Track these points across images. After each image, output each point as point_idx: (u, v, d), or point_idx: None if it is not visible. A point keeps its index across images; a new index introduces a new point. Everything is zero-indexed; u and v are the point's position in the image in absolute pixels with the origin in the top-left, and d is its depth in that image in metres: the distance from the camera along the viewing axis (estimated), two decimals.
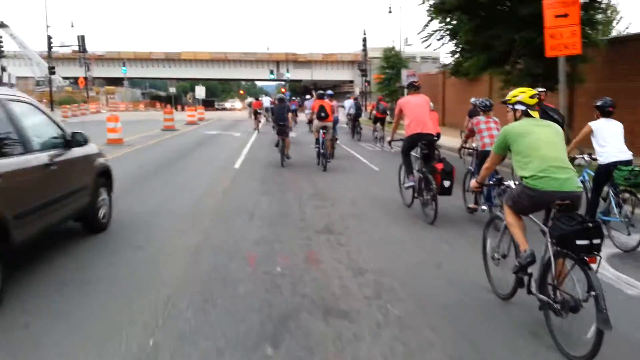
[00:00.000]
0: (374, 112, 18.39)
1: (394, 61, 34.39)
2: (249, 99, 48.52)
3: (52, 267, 4.71)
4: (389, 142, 8.38)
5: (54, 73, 34.89)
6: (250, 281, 4.43)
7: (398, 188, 8.01)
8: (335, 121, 13.26)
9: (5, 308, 3.80)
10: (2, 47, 33.21)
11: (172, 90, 65.15)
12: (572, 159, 5.46)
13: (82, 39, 35.96)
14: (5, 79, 30.12)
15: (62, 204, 5.06)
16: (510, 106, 3.93)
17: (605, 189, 5.86)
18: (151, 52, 71.10)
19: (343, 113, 23.28)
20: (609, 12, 17.23)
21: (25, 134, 4.59)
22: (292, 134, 13.90)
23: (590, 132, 5.75)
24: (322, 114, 11.70)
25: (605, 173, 5.72)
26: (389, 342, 3.31)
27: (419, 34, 21.01)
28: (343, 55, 73.04)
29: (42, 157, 4.74)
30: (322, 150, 11.51)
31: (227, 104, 75.68)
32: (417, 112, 7.19)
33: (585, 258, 3.14)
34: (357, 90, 52.10)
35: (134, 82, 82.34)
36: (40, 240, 4.82)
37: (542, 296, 3.42)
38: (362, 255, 5.22)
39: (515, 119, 3.88)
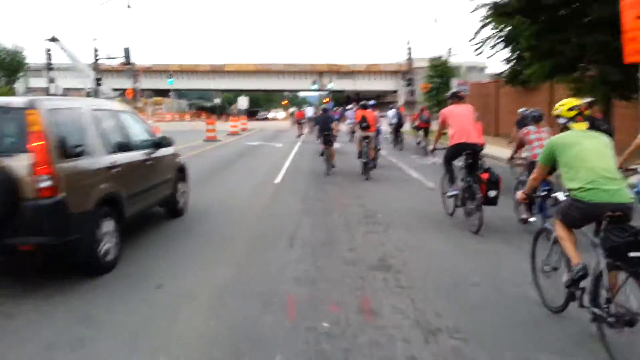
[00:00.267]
0: (417, 121, 18.44)
1: (442, 70, 33.03)
2: (292, 109, 48.27)
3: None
4: (432, 151, 8.30)
5: (100, 84, 35.43)
6: (289, 344, 3.41)
7: (440, 197, 7.92)
8: (378, 131, 13.45)
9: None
10: (51, 60, 34.14)
11: (217, 101, 66.12)
12: (628, 169, 5.40)
13: (127, 51, 36.33)
14: (52, 90, 30.81)
15: (154, 191, 6.43)
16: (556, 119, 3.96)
17: None
18: (197, 65, 72.33)
19: (386, 123, 22.93)
20: None
21: (130, 136, 6.09)
22: (335, 145, 13.67)
23: None
24: (364, 124, 11.71)
25: None
26: None
27: (470, 41, 19.80)
28: (386, 66, 72.00)
29: (141, 154, 6.12)
30: (364, 160, 11.44)
31: (270, 114, 75.84)
32: (461, 121, 7.12)
33: (639, 270, 3.00)
34: (401, 100, 50.85)
35: (181, 93, 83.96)
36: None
37: (595, 310, 3.29)
38: (431, 305, 4.10)
39: (561, 131, 3.89)
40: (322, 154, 12.87)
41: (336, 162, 12.75)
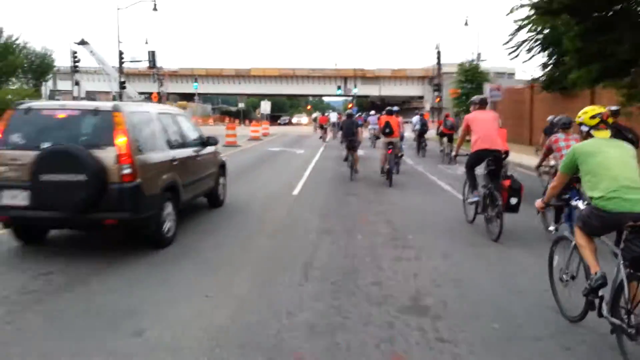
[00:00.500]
0: (441, 127, 18.00)
1: (472, 75, 31.68)
2: (315, 114, 47.71)
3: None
4: (454, 157, 8.27)
5: (124, 88, 35.28)
6: None
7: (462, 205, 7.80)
8: (402, 137, 13.54)
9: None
10: (77, 62, 34.13)
11: (241, 105, 65.93)
12: None
13: (152, 55, 36.16)
14: (75, 93, 30.78)
15: (201, 183, 7.41)
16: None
17: None
18: (222, 69, 72.44)
19: (409, 129, 22.56)
20: None
21: (185, 135, 7.12)
22: (360, 151, 13.27)
23: None
24: (387, 130, 11.66)
25: None
26: None
27: (504, 44, 18.63)
28: (412, 71, 70.84)
29: (193, 151, 7.14)
30: (387, 166, 11.38)
31: (294, 119, 75.38)
32: (485, 128, 7.00)
33: None
34: (427, 106, 49.45)
35: (206, 97, 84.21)
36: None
37: (614, 320, 3.19)
38: None
39: (584, 139, 3.84)
40: (345, 159, 12.98)
41: (359, 169, 12.60)
